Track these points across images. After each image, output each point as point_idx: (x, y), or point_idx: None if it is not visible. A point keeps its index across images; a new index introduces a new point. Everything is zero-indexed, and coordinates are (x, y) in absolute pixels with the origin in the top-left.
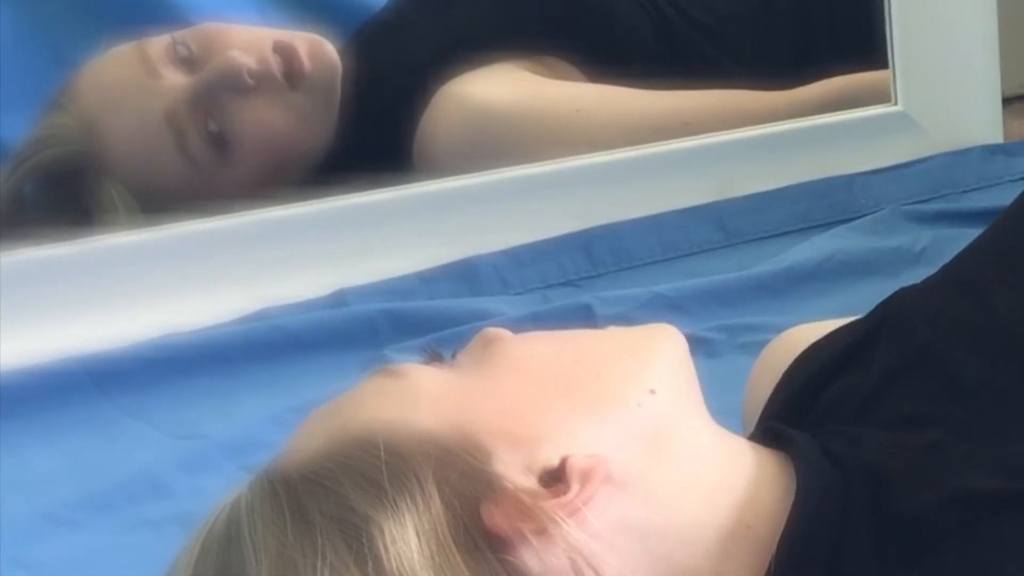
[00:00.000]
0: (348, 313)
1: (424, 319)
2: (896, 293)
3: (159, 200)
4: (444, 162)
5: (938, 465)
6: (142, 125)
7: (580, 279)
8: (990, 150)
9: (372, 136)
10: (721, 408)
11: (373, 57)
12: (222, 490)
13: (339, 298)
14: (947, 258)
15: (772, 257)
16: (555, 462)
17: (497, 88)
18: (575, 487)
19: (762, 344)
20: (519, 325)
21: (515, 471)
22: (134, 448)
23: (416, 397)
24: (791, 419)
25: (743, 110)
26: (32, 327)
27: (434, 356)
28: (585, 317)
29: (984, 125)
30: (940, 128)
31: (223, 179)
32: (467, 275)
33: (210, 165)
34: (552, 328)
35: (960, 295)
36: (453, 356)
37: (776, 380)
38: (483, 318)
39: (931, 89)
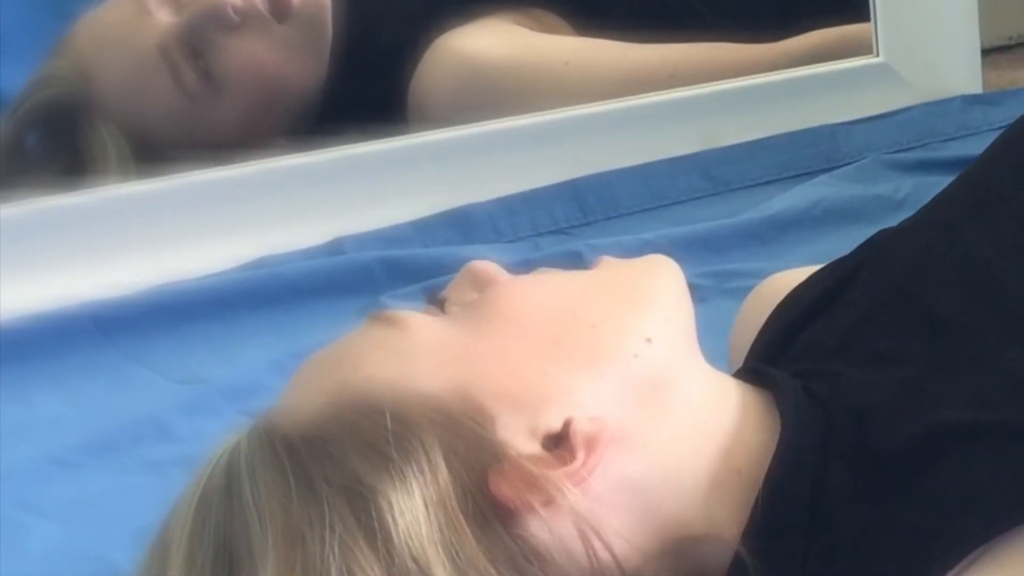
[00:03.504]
0: (345, 261)
1: (419, 266)
2: (875, 235)
3: (152, 140)
4: (437, 114)
5: (914, 401)
6: (135, 61)
7: (570, 227)
8: (970, 100)
9: (367, 88)
10: (709, 352)
11: (367, 9)
12: (223, 433)
13: (336, 246)
14: None
15: (758, 205)
16: (557, 426)
17: (488, 41)
18: (580, 455)
19: (749, 289)
20: (511, 272)
21: (519, 437)
22: (137, 392)
23: (415, 353)
24: (774, 361)
25: (728, 62)
26: (37, 275)
27: (429, 301)
28: (576, 264)
29: (964, 76)
30: (921, 79)
31: (216, 115)
32: (461, 223)
33: (202, 98)
34: None
35: (936, 235)
36: (445, 300)
37: (759, 325)
38: None
39: (912, 41)
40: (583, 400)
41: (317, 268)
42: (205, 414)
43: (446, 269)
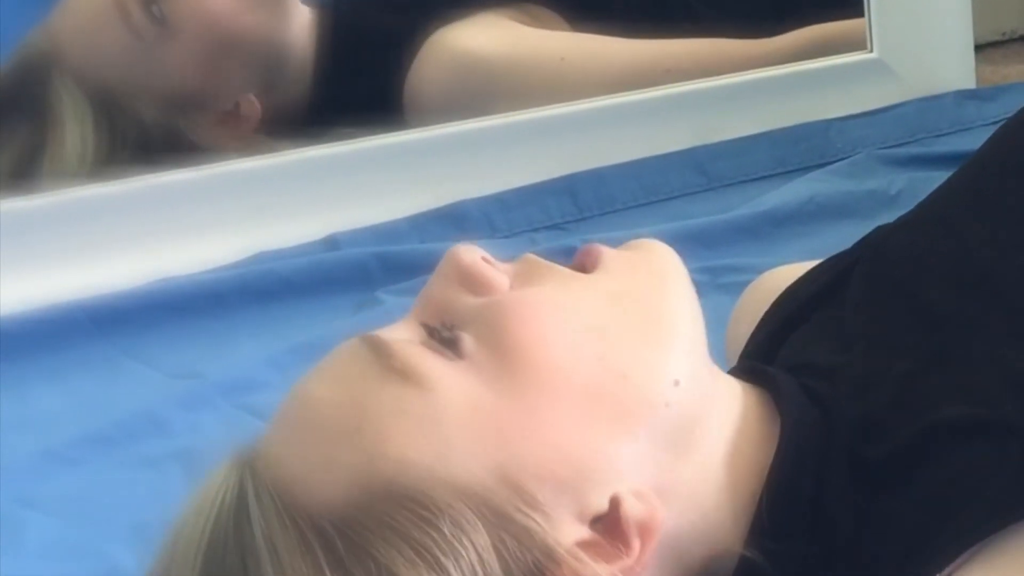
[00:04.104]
0: (340, 257)
1: (414, 262)
2: (873, 231)
3: (112, 91)
4: (432, 110)
5: (912, 398)
6: (88, 9)
7: (566, 222)
8: (963, 95)
9: (363, 84)
10: None
11: (362, 5)
12: (219, 429)
13: (332, 242)
14: None
15: (751, 200)
16: (604, 505)
17: (484, 37)
18: (635, 545)
19: (743, 285)
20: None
21: (567, 524)
22: (134, 388)
23: (448, 427)
24: (771, 357)
25: (722, 58)
26: (33, 271)
27: (431, 335)
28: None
29: (957, 71)
30: (914, 74)
31: (171, 60)
32: (456, 219)
33: (155, 42)
34: None
35: (935, 231)
36: (452, 330)
37: (755, 321)
38: None
39: (905, 36)
40: (623, 468)
41: (312, 264)
42: (201, 409)
43: None
